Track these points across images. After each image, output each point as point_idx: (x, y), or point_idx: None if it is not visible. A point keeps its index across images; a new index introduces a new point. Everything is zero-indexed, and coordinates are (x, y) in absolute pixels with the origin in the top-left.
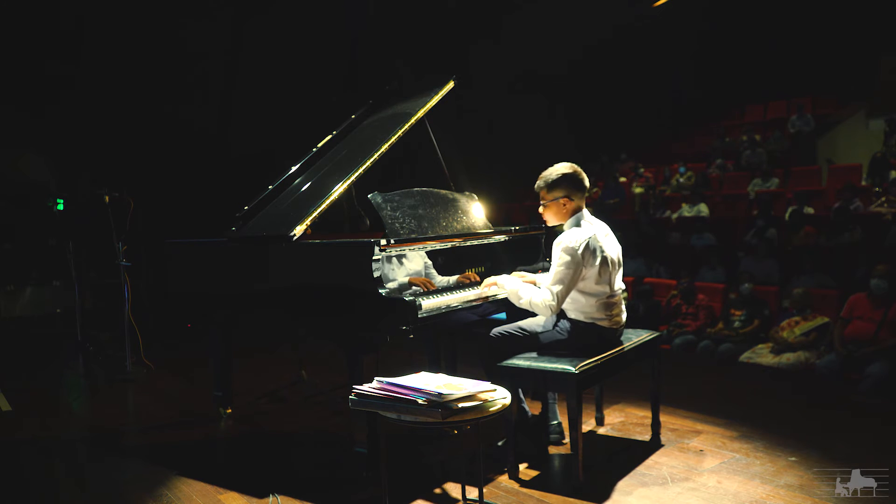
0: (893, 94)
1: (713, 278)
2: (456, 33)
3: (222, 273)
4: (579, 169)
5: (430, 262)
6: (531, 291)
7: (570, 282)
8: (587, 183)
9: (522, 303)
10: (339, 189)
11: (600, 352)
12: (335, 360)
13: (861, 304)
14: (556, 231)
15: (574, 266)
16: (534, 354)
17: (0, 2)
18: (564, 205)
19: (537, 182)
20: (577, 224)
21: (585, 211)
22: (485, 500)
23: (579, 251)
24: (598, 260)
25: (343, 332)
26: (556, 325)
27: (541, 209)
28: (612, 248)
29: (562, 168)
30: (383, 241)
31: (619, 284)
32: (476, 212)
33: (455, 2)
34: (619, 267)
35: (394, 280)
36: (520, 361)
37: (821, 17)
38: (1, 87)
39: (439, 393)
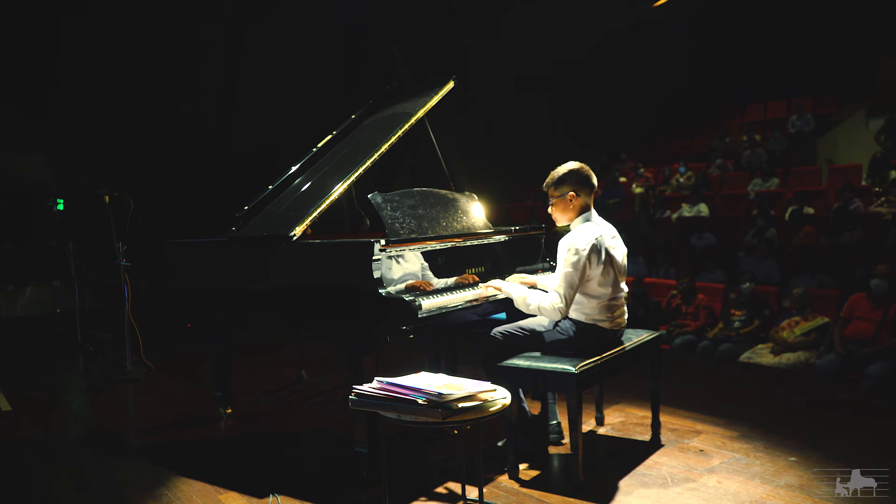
0: (893, 94)
1: (713, 278)
2: (456, 33)
3: (222, 273)
4: (587, 167)
5: (426, 265)
6: (539, 297)
7: (577, 283)
8: (595, 181)
9: (531, 308)
10: (339, 189)
11: (600, 352)
12: (335, 360)
13: (861, 304)
14: (557, 231)
15: (580, 267)
16: (534, 354)
17: (1, 1)
18: (571, 200)
19: (545, 181)
20: (586, 222)
21: (594, 211)
22: (485, 500)
23: (585, 251)
24: (604, 261)
25: (343, 332)
26: (556, 325)
27: (550, 209)
28: (619, 250)
29: (569, 165)
30: (383, 241)
31: (622, 286)
32: (476, 212)
33: (455, 2)
34: (624, 270)
35: (391, 281)
36: (520, 361)
37: (821, 16)
38: (1, 87)
39: (439, 393)
